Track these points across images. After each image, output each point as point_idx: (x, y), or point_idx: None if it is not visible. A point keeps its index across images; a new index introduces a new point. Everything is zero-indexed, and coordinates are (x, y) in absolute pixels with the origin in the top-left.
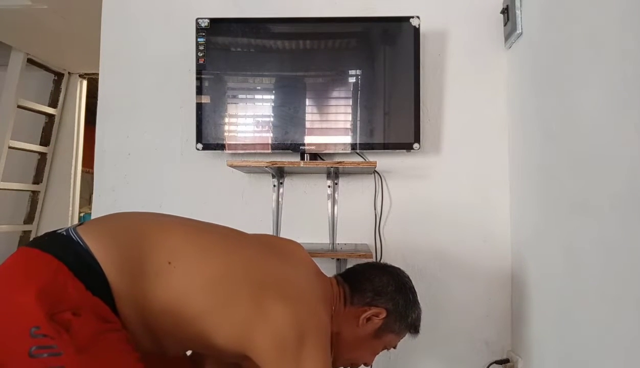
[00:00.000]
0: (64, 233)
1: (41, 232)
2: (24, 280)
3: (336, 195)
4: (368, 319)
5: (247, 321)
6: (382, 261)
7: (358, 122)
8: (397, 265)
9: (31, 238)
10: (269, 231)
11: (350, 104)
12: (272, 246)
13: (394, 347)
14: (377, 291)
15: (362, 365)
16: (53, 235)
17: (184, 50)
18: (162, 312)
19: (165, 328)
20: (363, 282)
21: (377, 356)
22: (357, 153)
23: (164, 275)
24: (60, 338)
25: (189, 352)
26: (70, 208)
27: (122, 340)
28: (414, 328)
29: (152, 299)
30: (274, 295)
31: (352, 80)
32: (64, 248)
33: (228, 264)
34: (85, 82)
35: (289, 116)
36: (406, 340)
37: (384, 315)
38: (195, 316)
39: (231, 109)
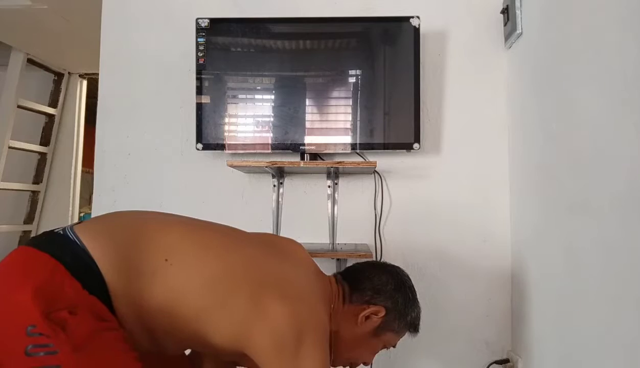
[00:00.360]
0: (61, 232)
1: (41, 232)
2: (20, 279)
3: (336, 195)
4: (367, 317)
5: (245, 320)
6: (381, 260)
7: (358, 122)
8: (397, 265)
9: None
10: (269, 231)
11: (350, 104)
12: (272, 245)
13: (394, 346)
14: (376, 289)
15: (362, 364)
16: (50, 234)
17: (184, 50)
18: (158, 311)
19: (163, 328)
20: (362, 281)
21: (376, 355)
22: (357, 153)
23: (161, 273)
24: (57, 337)
25: (187, 351)
26: (70, 208)
27: (119, 339)
28: (414, 327)
29: (149, 298)
30: (273, 295)
31: (352, 80)
32: (61, 248)
33: (227, 262)
34: (85, 82)
35: (289, 116)
36: (406, 340)
37: (382, 313)
38: (192, 315)
39: (231, 109)
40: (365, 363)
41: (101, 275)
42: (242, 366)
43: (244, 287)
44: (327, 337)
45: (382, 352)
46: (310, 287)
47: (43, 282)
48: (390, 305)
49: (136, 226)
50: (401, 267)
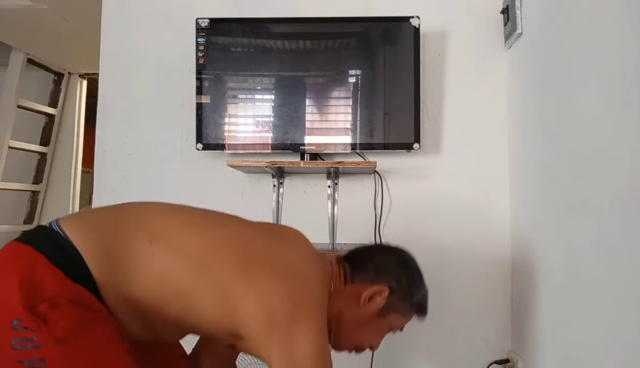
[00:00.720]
0: (47, 225)
1: None
2: (5, 273)
3: (336, 195)
4: (370, 298)
5: (235, 295)
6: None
7: (358, 122)
8: (402, 247)
9: None
10: None
11: (350, 104)
12: (270, 228)
13: (401, 329)
14: (379, 269)
15: (368, 349)
16: (37, 227)
17: (184, 50)
18: (146, 293)
19: (153, 311)
20: (365, 261)
21: (376, 353)
22: (357, 153)
23: (145, 255)
24: (39, 330)
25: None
26: (70, 209)
27: (108, 329)
28: (421, 309)
29: (135, 282)
30: (265, 270)
31: (352, 80)
32: (43, 240)
33: (216, 239)
34: (85, 82)
35: (289, 116)
36: (405, 340)
37: (386, 293)
38: (180, 295)
39: (231, 109)
40: (371, 348)
41: (85, 264)
42: (241, 350)
43: (233, 263)
44: (324, 315)
45: (382, 352)
46: (308, 265)
47: (26, 275)
48: (394, 285)
49: (119, 213)
50: None
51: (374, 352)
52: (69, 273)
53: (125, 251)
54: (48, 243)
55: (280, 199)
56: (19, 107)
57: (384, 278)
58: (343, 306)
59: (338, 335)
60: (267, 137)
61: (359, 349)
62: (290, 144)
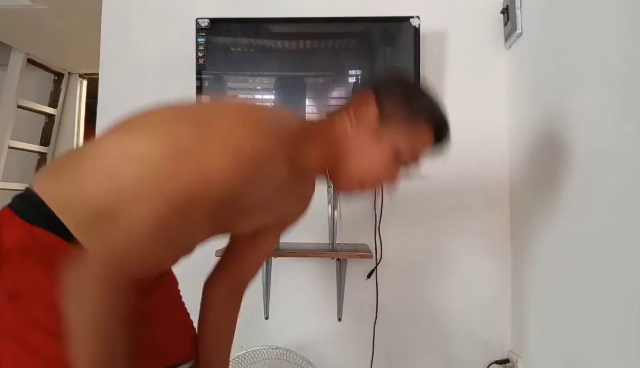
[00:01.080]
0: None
1: None
2: None
3: (336, 195)
4: (357, 114)
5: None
6: (381, 259)
7: None
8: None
9: None
10: None
11: None
12: None
13: (415, 158)
14: (363, 86)
15: (384, 187)
16: None
17: (184, 50)
18: (97, 183)
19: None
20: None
21: (376, 352)
22: None
23: (95, 161)
24: None
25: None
26: None
27: None
28: (432, 117)
29: (87, 180)
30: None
31: (352, 80)
32: (15, 197)
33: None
34: (85, 82)
35: None
36: (405, 339)
37: (372, 97)
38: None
39: None
40: (387, 182)
41: (49, 209)
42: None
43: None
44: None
45: (382, 352)
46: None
47: None
48: (381, 89)
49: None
50: (401, 266)
51: (374, 351)
52: (28, 218)
53: (72, 167)
54: (17, 198)
55: None
56: (19, 107)
57: (368, 87)
58: (330, 141)
59: (336, 173)
60: None
61: (366, 185)
62: None
